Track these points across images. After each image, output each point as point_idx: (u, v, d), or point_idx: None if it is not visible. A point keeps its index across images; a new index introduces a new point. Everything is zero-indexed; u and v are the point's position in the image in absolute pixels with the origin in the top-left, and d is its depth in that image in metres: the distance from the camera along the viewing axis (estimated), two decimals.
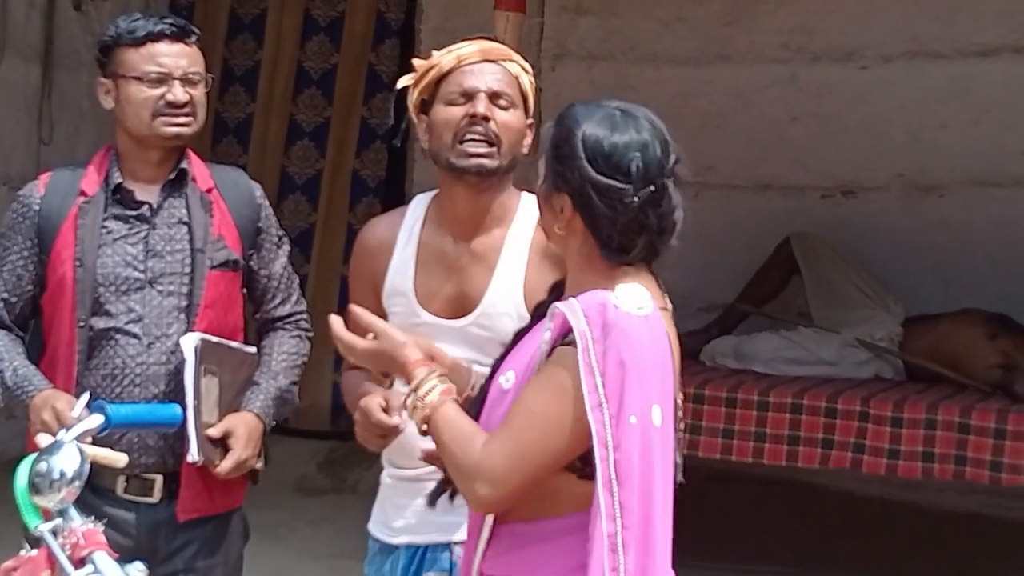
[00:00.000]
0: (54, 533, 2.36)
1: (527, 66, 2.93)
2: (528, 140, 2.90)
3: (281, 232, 3.31)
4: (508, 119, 2.84)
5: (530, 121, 2.90)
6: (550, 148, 2.34)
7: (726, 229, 5.92)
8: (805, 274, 5.91)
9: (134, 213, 3.13)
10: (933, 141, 6.15)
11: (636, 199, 2.28)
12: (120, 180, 3.14)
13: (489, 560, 2.35)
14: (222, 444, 3.09)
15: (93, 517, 2.41)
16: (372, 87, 7.10)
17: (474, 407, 2.41)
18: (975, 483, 5.15)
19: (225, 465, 3.08)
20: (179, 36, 3.15)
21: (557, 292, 2.45)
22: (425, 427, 2.34)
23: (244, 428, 3.11)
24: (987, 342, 5.54)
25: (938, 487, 5.81)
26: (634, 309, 2.26)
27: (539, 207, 2.40)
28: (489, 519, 2.34)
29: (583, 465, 2.25)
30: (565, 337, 2.26)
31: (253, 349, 3.25)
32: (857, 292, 5.84)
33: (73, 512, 2.37)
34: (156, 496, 3.09)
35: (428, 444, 2.62)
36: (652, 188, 2.29)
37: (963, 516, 6.04)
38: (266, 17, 7.28)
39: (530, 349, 2.34)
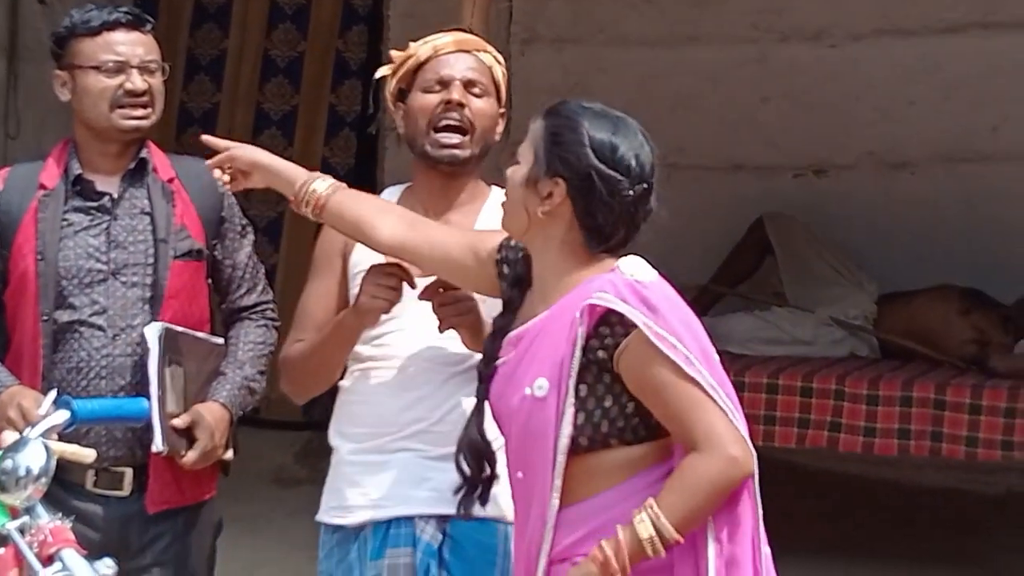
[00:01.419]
0: (21, 531, 2.34)
1: (500, 57, 3.01)
2: (500, 128, 2.98)
3: (245, 221, 3.28)
4: (482, 107, 2.93)
5: (502, 110, 2.98)
6: (546, 135, 2.52)
7: (698, 210, 5.91)
8: (779, 254, 5.91)
9: (95, 204, 3.10)
10: (903, 118, 6.15)
11: (631, 193, 2.47)
12: (79, 171, 3.12)
13: (559, 545, 2.48)
14: (188, 435, 3.07)
15: (61, 514, 2.39)
16: (340, 74, 7.06)
17: (480, 415, 2.60)
18: (951, 459, 5.17)
19: (190, 456, 3.05)
20: (135, 25, 3.13)
21: (520, 285, 2.58)
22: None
23: (210, 418, 3.09)
24: (960, 318, 5.55)
25: (915, 464, 5.83)
26: (649, 276, 2.45)
27: (517, 193, 2.53)
28: (554, 509, 2.46)
29: (632, 434, 2.47)
30: (598, 328, 2.43)
31: (220, 340, 3.23)
32: (831, 271, 5.85)
33: (40, 509, 2.35)
34: (126, 489, 3.07)
35: (378, 412, 2.85)
36: (645, 186, 2.48)
37: (941, 492, 6.06)
38: (231, 6, 7.23)
39: (556, 353, 2.46)
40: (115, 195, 3.11)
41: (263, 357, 3.25)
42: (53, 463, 2.37)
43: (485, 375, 2.60)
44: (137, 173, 3.14)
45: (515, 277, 2.62)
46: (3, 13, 6.65)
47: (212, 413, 3.10)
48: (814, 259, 5.86)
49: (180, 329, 3.10)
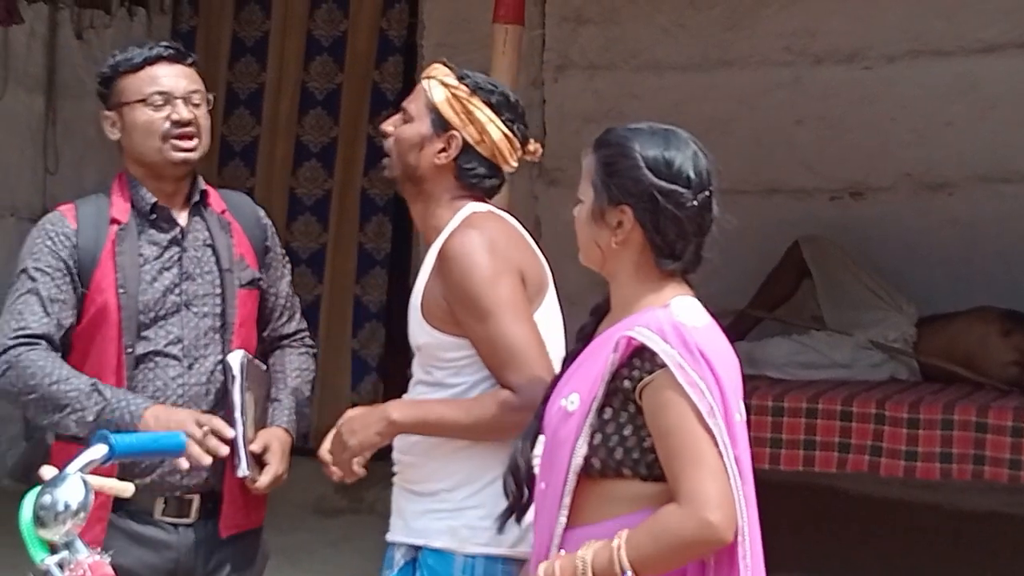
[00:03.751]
0: (60, 566, 2.35)
1: (447, 77, 3.03)
2: (437, 147, 3.01)
3: (284, 251, 3.37)
4: (399, 133, 3.05)
5: (452, 132, 3.00)
6: (599, 168, 2.53)
7: (735, 234, 5.86)
8: (816, 277, 5.89)
9: (167, 237, 3.17)
10: (940, 139, 6.12)
11: (695, 203, 2.49)
12: (155, 200, 3.17)
13: None
14: (258, 459, 3.15)
15: (101, 550, 2.39)
16: (377, 105, 7.09)
17: (530, 434, 2.60)
18: (994, 482, 5.11)
19: (264, 480, 3.13)
20: (176, 58, 3.19)
21: (597, 314, 2.61)
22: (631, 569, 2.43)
23: (278, 443, 3.18)
24: (1001, 339, 5.51)
25: (958, 487, 5.77)
26: (698, 322, 2.46)
27: (586, 229, 2.55)
28: (560, 526, 2.49)
29: (647, 469, 2.47)
30: (632, 359, 2.44)
31: (265, 366, 3.30)
32: (869, 294, 5.81)
33: (79, 544, 2.36)
34: (193, 516, 3.14)
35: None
36: (707, 193, 2.50)
37: (984, 516, 6.00)
38: (268, 39, 7.29)
39: (592, 372, 2.49)
40: (183, 227, 3.18)
41: (308, 383, 3.34)
42: (91, 498, 2.38)
43: (547, 395, 2.61)
44: (197, 206, 3.21)
45: (593, 306, 2.65)
46: (41, 50, 6.73)
47: (279, 438, 3.19)
48: (852, 282, 5.82)
49: (251, 357, 3.19)
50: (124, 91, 3.16)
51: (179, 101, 3.14)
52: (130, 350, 3.10)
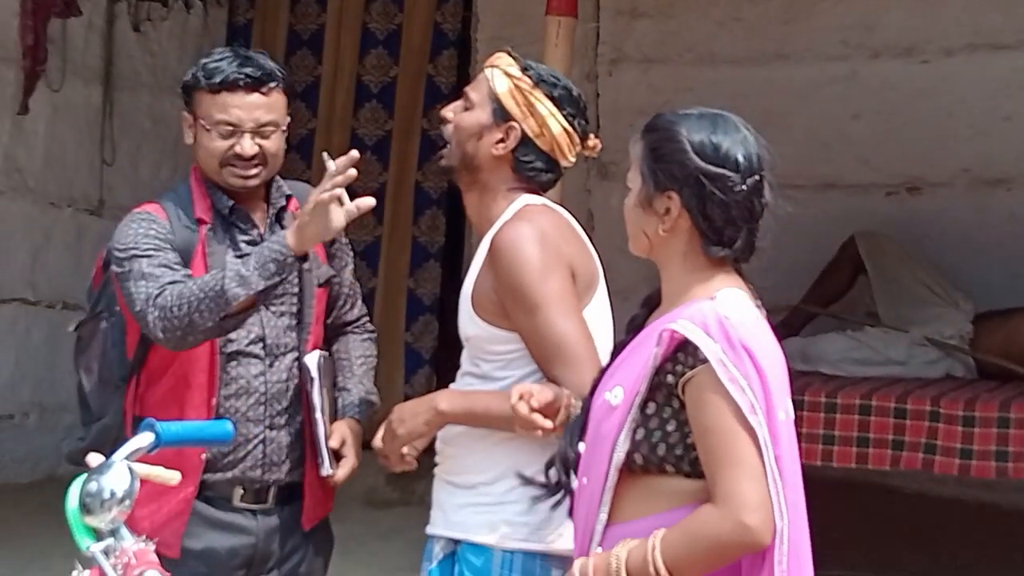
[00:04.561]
0: (106, 553, 2.36)
1: (510, 67, 3.00)
2: (496, 137, 2.99)
3: (347, 240, 3.36)
4: (459, 120, 3.02)
5: (511, 123, 2.98)
6: (646, 154, 2.48)
7: (789, 229, 5.83)
8: (871, 273, 5.84)
9: (247, 238, 3.17)
10: (998, 134, 6.06)
11: (744, 187, 2.41)
12: (231, 202, 3.17)
13: None
14: (335, 454, 3.19)
15: (143, 539, 2.40)
16: (431, 98, 7.10)
17: (577, 425, 2.55)
18: None
19: (340, 474, 3.19)
20: (254, 86, 3.10)
21: (648, 305, 2.57)
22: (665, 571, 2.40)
23: (352, 436, 3.22)
24: None
25: (1014, 486, 5.71)
26: (743, 315, 2.39)
27: (634, 217, 2.51)
28: (601, 523, 2.45)
29: (690, 466, 2.42)
30: (676, 353, 2.39)
31: (328, 352, 3.32)
32: (925, 290, 5.76)
33: (125, 531, 2.37)
34: (270, 502, 3.18)
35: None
36: (757, 178, 2.43)
37: None
38: (324, 33, 7.32)
39: (637, 366, 2.44)
40: (262, 231, 3.18)
41: (372, 370, 3.36)
42: (137, 485, 2.39)
43: (595, 383, 2.58)
44: (279, 212, 3.22)
45: (644, 297, 2.61)
46: (98, 42, 6.78)
47: (353, 431, 3.23)
48: (908, 278, 5.78)
49: (326, 355, 3.21)
50: (199, 107, 3.14)
51: (246, 135, 3.09)
52: (224, 348, 3.13)
